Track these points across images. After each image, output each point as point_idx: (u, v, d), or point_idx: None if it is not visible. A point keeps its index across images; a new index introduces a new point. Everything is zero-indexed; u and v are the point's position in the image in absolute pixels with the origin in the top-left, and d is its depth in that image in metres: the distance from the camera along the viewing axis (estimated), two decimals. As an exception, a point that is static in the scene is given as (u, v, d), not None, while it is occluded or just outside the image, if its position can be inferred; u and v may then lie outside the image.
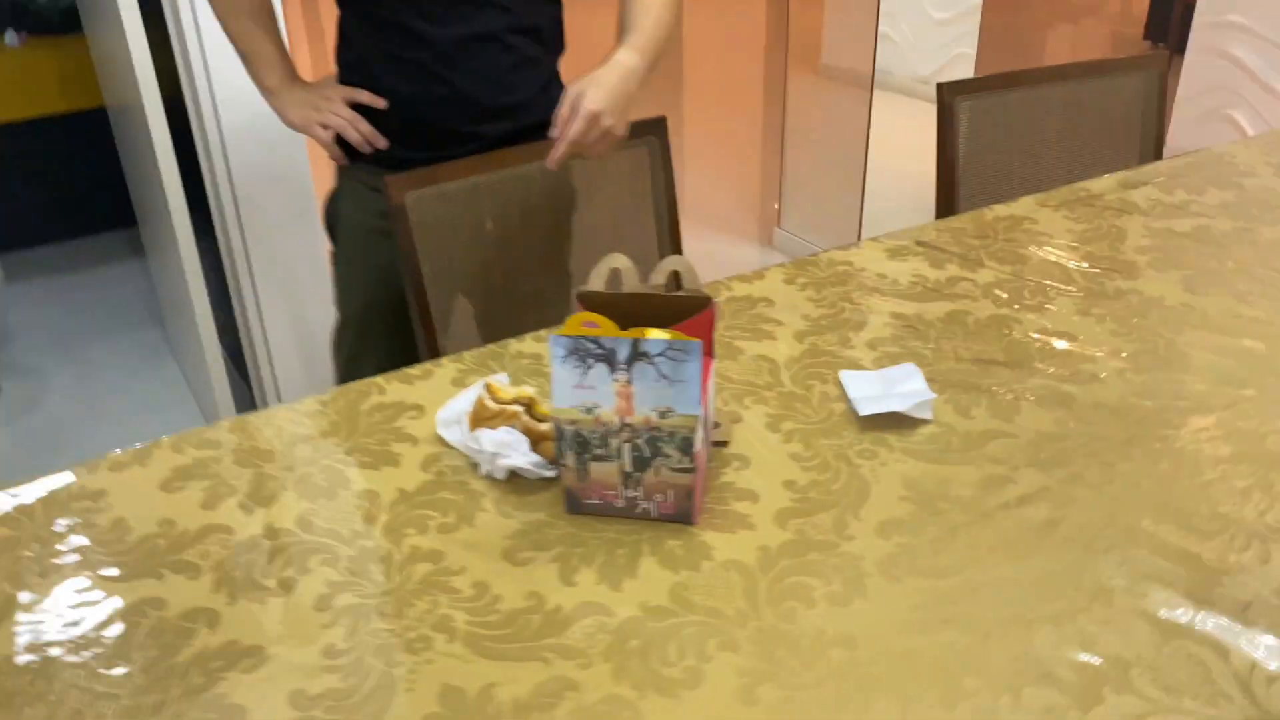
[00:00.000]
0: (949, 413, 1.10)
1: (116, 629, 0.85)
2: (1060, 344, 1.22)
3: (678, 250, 1.64)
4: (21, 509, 0.99)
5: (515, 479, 1.01)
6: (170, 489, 1.02)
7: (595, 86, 1.28)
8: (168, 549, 0.94)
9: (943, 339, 1.24)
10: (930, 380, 1.15)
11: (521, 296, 1.53)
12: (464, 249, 1.47)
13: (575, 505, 0.96)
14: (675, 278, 0.97)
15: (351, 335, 1.55)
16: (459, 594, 0.87)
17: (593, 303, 0.98)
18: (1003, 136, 1.77)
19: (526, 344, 1.26)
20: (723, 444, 1.06)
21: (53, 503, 1.00)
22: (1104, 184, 1.66)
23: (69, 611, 0.87)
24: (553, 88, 1.49)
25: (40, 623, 0.86)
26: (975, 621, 0.83)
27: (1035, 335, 1.24)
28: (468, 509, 0.98)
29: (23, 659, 0.82)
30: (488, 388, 1.02)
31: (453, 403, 1.09)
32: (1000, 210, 1.57)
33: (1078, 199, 1.60)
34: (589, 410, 0.91)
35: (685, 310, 0.96)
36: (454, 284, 1.47)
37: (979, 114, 1.74)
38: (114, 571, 0.91)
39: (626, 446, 0.92)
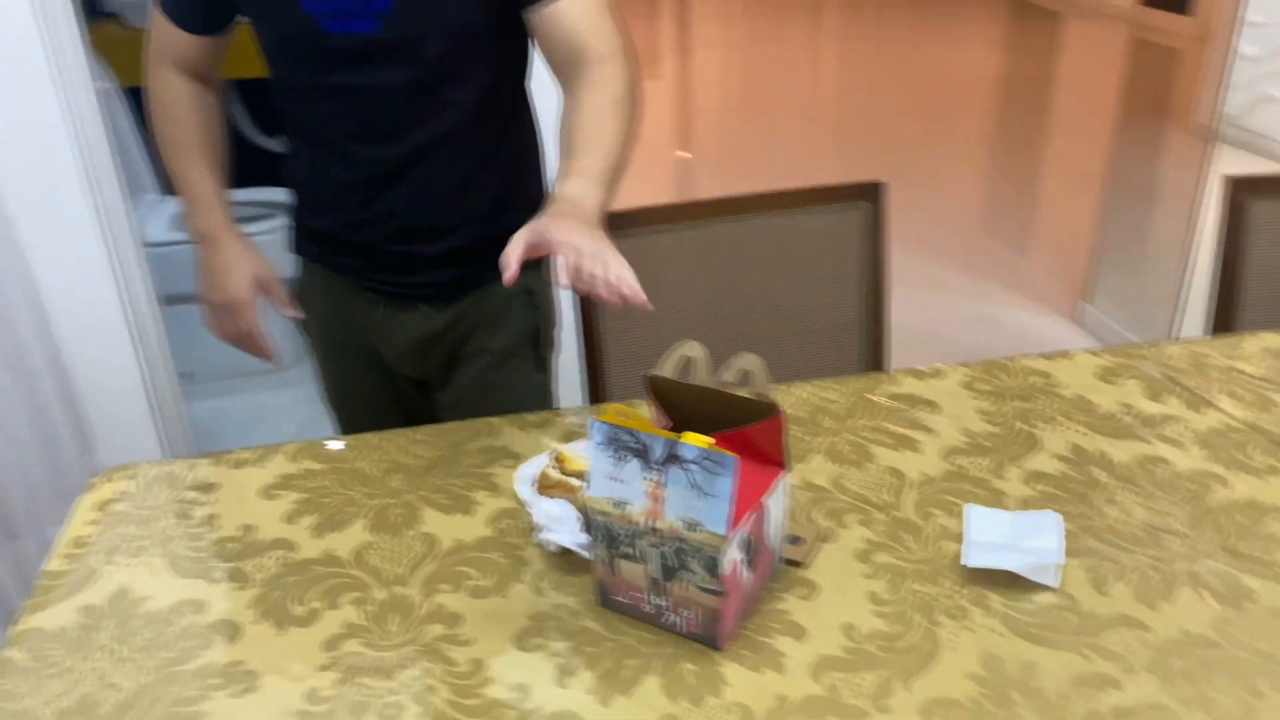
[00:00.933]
0: (1082, 583, 0.92)
1: (156, 623, 0.91)
2: (1266, 523, 0.99)
3: (878, 327, 1.52)
4: (144, 483, 1.09)
5: (569, 554, 0.97)
6: (269, 495, 1.08)
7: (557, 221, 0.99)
8: (236, 554, 0.99)
9: (1119, 489, 1.05)
10: (1078, 536, 0.97)
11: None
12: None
13: (606, 600, 0.91)
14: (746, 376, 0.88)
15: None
16: (454, 667, 0.85)
17: (658, 389, 0.92)
18: (1308, 248, 1.47)
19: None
20: (797, 564, 0.95)
21: (170, 485, 1.09)
22: None
23: (132, 595, 0.94)
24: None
25: (95, 606, 0.94)
26: None
27: (1239, 506, 1.01)
28: (506, 577, 0.95)
29: (70, 629, 0.90)
30: (557, 456, 0.99)
31: (536, 460, 1.07)
32: (1270, 340, 1.31)
33: (1380, 339, 1.30)
34: (619, 505, 0.85)
35: (751, 414, 0.88)
36: (627, 331, 1.45)
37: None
38: (184, 564, 0.98)
39: (654, 552, 0.85)
